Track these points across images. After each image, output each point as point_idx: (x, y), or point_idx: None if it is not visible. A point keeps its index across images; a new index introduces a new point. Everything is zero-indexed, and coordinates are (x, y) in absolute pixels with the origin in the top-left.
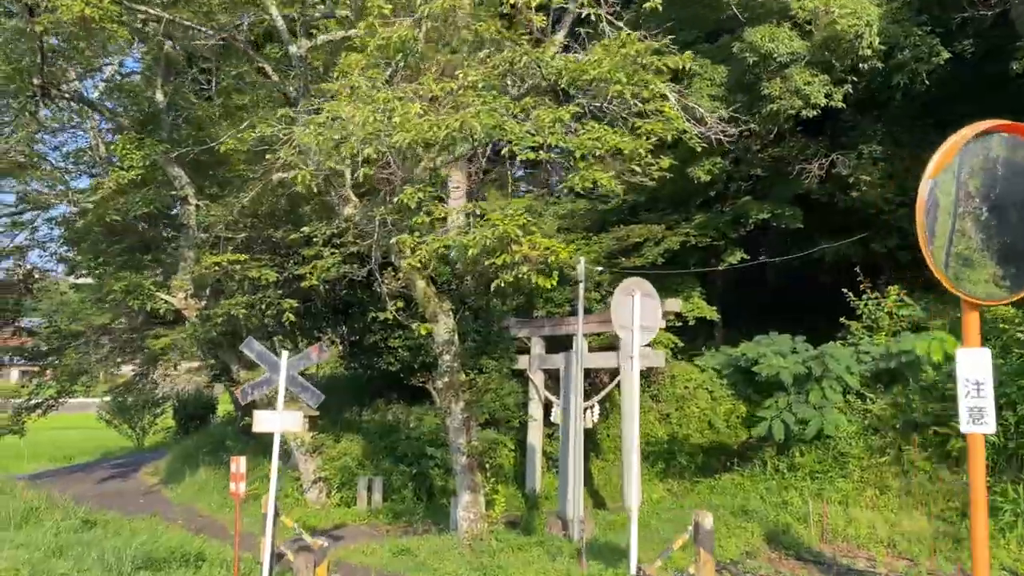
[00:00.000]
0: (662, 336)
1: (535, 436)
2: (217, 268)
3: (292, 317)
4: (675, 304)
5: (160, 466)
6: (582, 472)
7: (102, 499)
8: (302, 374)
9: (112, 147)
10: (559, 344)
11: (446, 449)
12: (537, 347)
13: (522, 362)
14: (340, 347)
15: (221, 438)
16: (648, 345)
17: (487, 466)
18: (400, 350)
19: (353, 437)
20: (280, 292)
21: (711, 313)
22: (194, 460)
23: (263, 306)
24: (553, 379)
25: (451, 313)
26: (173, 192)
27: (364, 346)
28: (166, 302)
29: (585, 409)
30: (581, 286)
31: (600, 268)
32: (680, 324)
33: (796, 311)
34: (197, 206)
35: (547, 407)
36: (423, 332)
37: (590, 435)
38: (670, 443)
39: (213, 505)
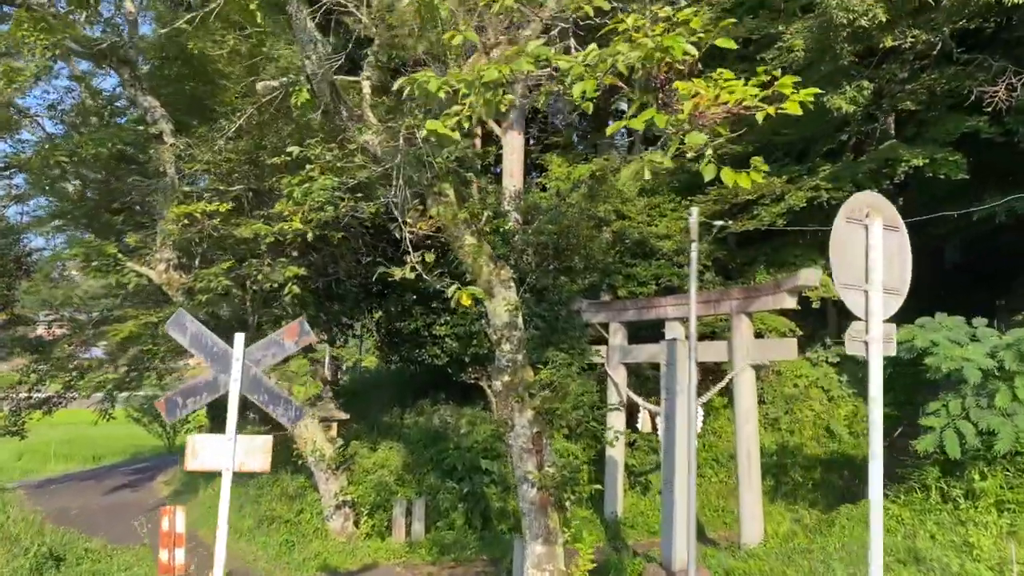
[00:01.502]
0: (777, 322)
1: (615, 450)
2: (190, 224)
3: (296, 290)
4: (812, 276)
5: (178, 473)
6: (694, 505)
7: (101, 515)
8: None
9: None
10: (643, 333)
11: (504, 461)
12: (618, 336)
13: (596, 355)
14: (376, 337)
15: None
16: (760, 336)
17: (568, 501)
18: (447, 339)
19: (392, 445)
20: (284, 260)
21: None
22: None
23: (256, 276)
24: (635, 376)
25: (512, 284)
26: (145, 128)
27: (403, 335)
28: (139, 275)
29: None
30: (694, 247)
31: (723, 222)
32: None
33: (950, 288)
34: (175, 147)
35: (630, 411)
36: (464, 303)
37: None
38: (780, 454)
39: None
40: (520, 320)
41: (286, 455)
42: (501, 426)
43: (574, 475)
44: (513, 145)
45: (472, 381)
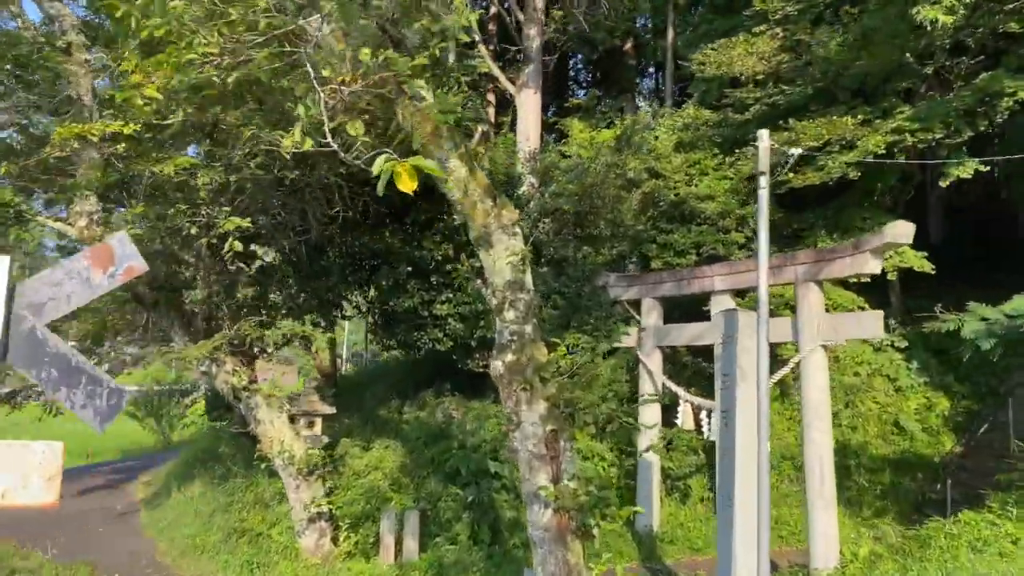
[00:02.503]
0: (843, 297)
1: (649, 452)
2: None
3: (238, 246)
4: (904, 231)
5: (160, 473)
6: (766, 525)
7: (63, 521)
8: None
9: None
10: (679, 312)
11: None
12: (652, 315)
13: (629, 338)
14: (370, 319)
15: (217, 442)
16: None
17: (595, 527)
18: (450, 320)
19: (388, 443)
20: (227, 209)
21: (921, 264)
22: (192, 470)
23: (191, 228)
24: (670, 363)
25: (519, 231)
26: (48, 41)
27: (399, 314)
28: (58, 234)
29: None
30: (764, 181)
31: (799, 150)
32: (855, 281)
33: None
34: (88, 63)
35: (666, 404)
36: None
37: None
38: (841, 453)
39: (181, 545)
40: (528, 278)
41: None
42: (507, 429)
43: (604, 492)
44: (528, 104)
45: (481, 370)
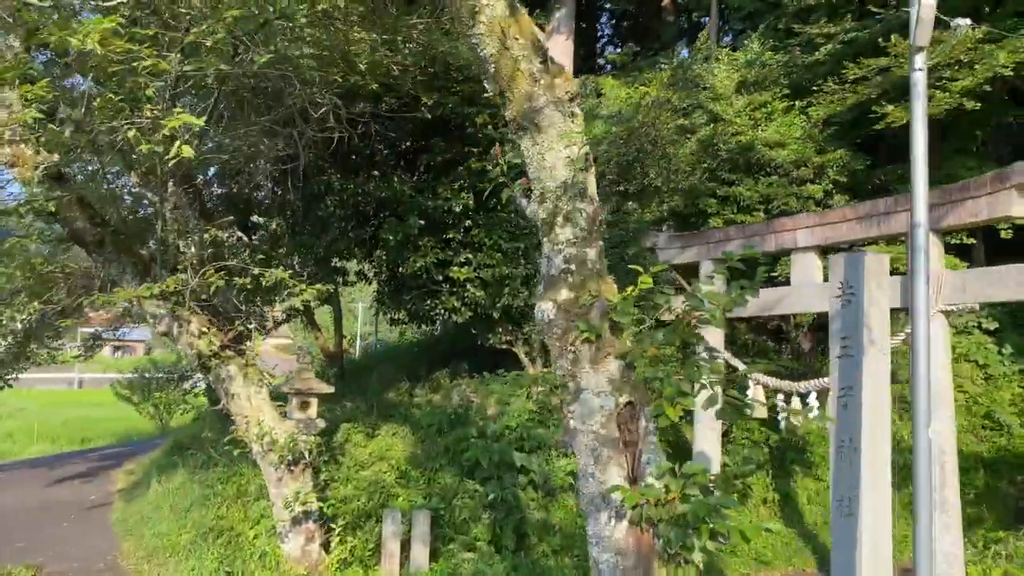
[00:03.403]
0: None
1: (707, 442)
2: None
3: (188, 151)
4: None
5: (146, 462)
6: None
7: (28, 515)
8: None
9: None
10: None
11: (546, 454)
12: (714, 279)
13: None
14: (375, 284)
15: (202, 426)
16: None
17: (699, 552)
18: (469, 285)
19: (396, 430)
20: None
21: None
22: (177, 458)
23: (127, 131)
24: (730, 342)
25: (578, 111)
26: None
27: (407, 278)
28: None
29: (803, 396)
30: (920, 61)
31: (965, 21)
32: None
33: None
34: None
35: (733, 389)
36: (499, 161)
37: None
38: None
39: (149, 545)
40: (592, 181)
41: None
42: (557, 400)
43: (720, 498)
44: (559, 52)
45: (504, 346)
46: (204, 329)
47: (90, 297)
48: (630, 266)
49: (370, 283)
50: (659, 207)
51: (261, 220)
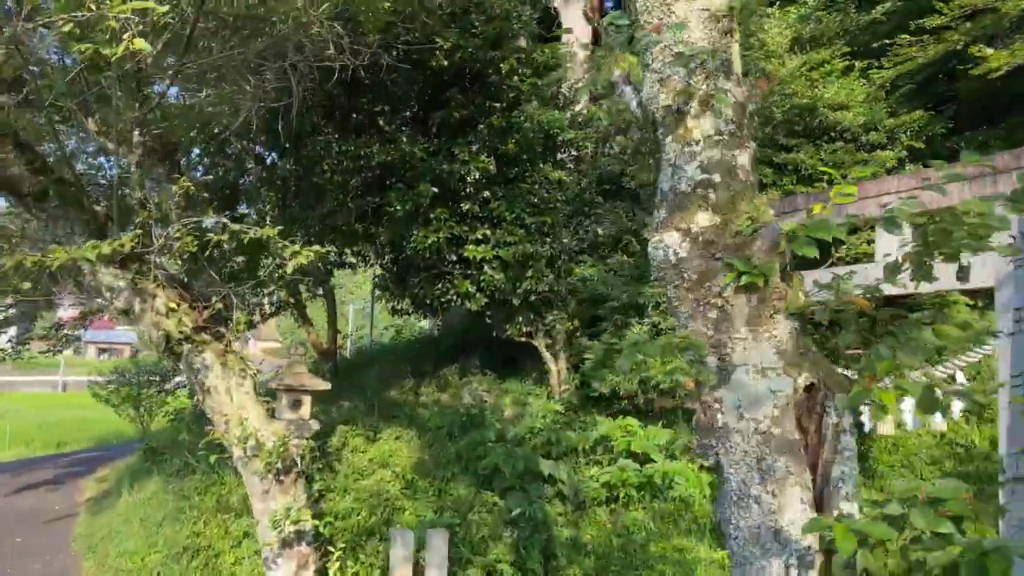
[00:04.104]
0: None
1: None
2: None
3: (144, 45)
4: None
5: (118, 469)
6: None
7: None
8: None
9: None
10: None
11: (574, 461)
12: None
13: None
14: (376, 266)
15: (180, 428)
16: None
17: None
18: (486, 267)
19: (400, 434)
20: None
21: None
22: (151, 464)
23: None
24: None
25: None
26: None
27: (415, 257)
28: None
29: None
30: None
31: None
32: None
33: None
34: None
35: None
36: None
37: (863, 454)
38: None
39: (113, 566)
40: (737, 55)
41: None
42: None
43: (984, 546)
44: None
45: (522, 338)
46: (173, 306)
47: (13, 257)
48: None
49: (370, 266)
50: None
51: (249, 211)
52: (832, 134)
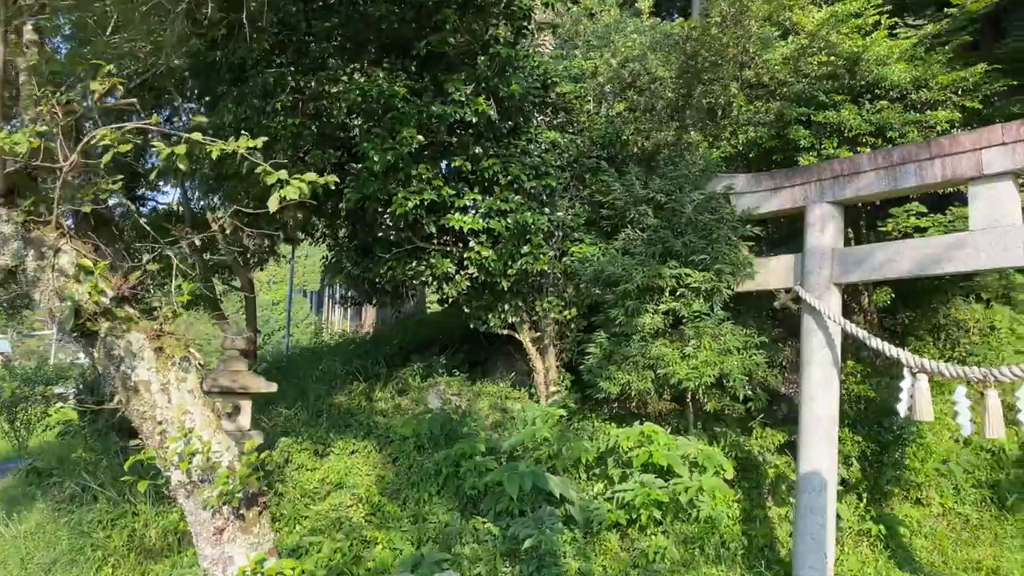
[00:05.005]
0: None
1: (820, 457)
2: None
3: None
4: None
5: None
6: None
7: None
8: None
9: None
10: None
11: (575, 476)
12: (827, 231)
13: (769, 273)
14: (333, 236)
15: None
16: None
17: None
18: (473, 241)
19: (356, 446)
20: None
21: None
22: (35, 488)
23: None
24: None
25: None
26: None
27: (383, 229)
28: None
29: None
30: None
31: None
32: None
33: None
34: None
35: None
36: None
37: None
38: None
39: None
40: None
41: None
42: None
43: None
44: None
45: (504, 331)
46: (86, 264)
47: None
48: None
49: (320, 241)
50: (733, 140)
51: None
52: (877, 91)
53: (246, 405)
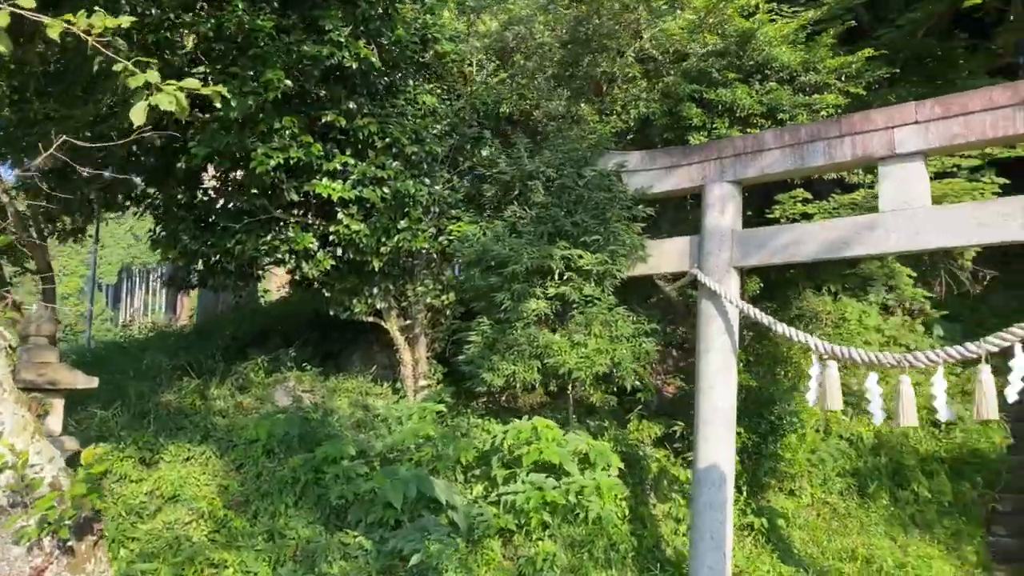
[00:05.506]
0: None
1: (720, 452)
2: None
3: None
4: None
5: None
6: None
7: None
8: None
9: None
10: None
11: (452, 478)
12: (727, 212)
13: (662, 255)
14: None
15: None
16: None
17: None
18: (342, 213)
19: (191, 452)
20: None
21: None
22: None
23: None
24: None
25: None
26: None
27: (231, 196)
28: None
29: None
30: None
31: None
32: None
33: None
34: None
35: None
36: None
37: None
38: (884, 450)
39: None
40: None
41: None
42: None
43: None
44: None
45: (369, 319)
46: None
47: None
48: None
49: (142, 211)
50: (625, 115)
51: None
52: (767, 71)
53: (58, 405)
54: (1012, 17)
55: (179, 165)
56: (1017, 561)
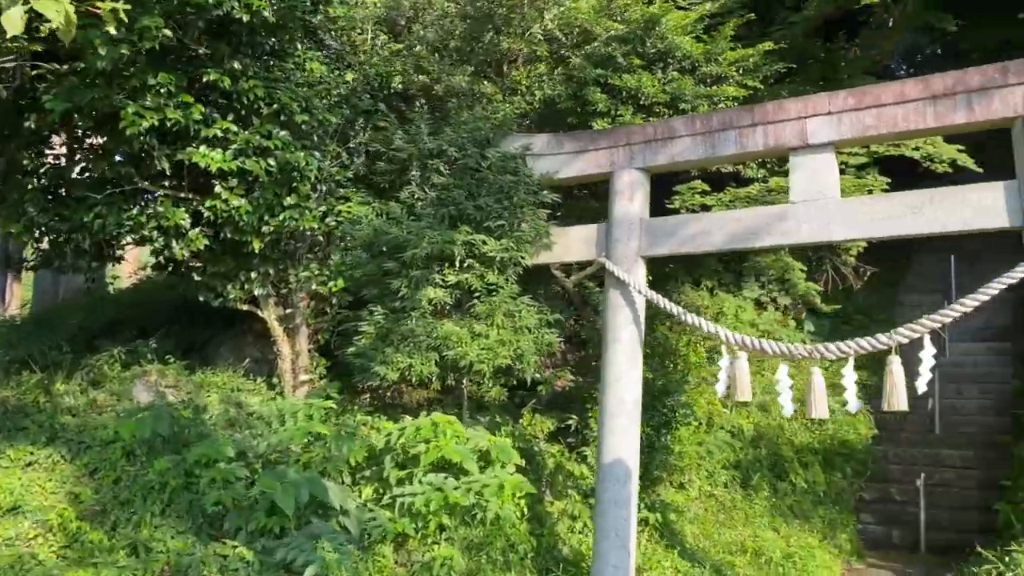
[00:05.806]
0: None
1: (624, 446)
2: None
3: None
4: None
5: None
6: None
7: None
8: None
9: None
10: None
11: (339, 479)
12: (636, 200)
13: (569, 243)
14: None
15: None
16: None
17: None
18: (220, 186)
19: (33, 456)
20: None
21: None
22: None
23: None
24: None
25: None
26: None
27: (93, 161)
28: None
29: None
30: None
31: None
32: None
33: None
34: None
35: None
36: None
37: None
38: (763, 442)
39: None
40: None
41: None
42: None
43: None
44: None
45: (246, 307)
46: None
47: None
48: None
49: None
50: (531, 96)
51: None
52: (670, 60)
53: None
54: (891, 23)
55: (27, 124)
56: (884, 548)
